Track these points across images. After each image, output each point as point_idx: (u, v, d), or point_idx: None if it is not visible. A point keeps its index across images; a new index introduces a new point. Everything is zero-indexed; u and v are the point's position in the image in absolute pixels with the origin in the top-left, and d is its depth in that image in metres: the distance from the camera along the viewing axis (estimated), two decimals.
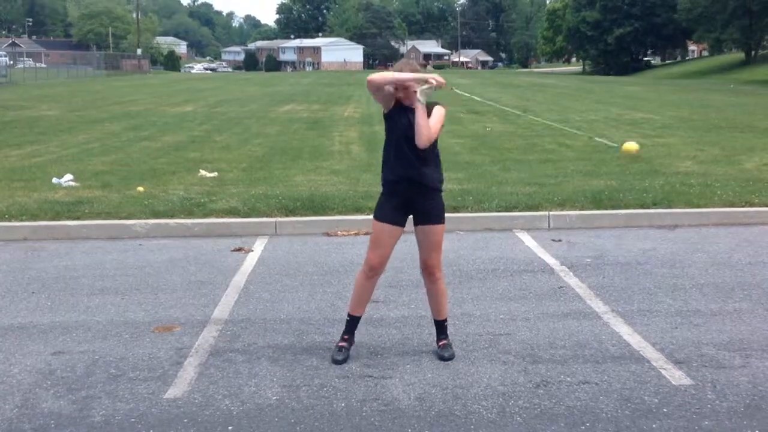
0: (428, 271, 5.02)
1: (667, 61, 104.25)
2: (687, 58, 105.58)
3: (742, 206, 9.36)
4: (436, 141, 4.88)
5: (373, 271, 4.98)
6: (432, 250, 4.97)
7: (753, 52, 70.45)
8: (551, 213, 9.06)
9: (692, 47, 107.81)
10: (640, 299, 6.25)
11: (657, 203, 9.42)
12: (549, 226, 8.94)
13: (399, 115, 4.85)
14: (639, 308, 6.01)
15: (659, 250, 7.85)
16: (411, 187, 4.86)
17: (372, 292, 5.09)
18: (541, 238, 8.41)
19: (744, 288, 6.53)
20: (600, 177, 11.39)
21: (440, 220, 4.97)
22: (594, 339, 5.35)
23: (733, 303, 6.13)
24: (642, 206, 9.34)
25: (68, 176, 11.28)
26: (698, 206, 9.35)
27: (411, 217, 5.00)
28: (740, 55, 74.21)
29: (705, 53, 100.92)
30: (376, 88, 4.76)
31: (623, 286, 6.60)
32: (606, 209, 9.26)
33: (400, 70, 4.81)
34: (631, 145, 4.58)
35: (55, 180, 11.13)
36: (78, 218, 8.85)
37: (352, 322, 5.10)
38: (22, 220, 8.76)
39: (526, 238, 8.39)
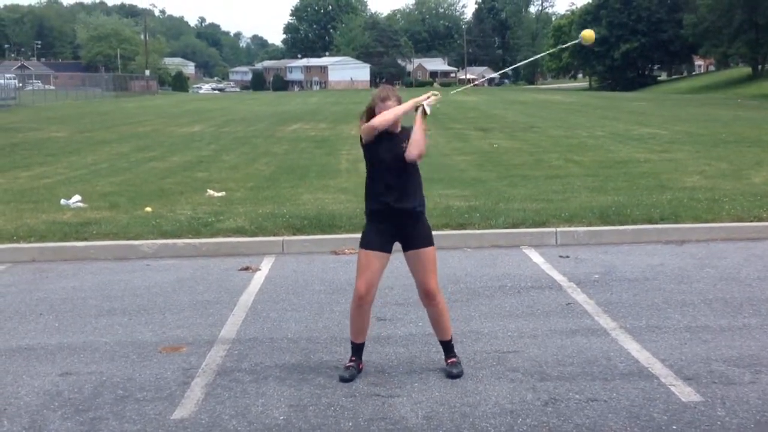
0: (429, 297, 5.00)
1: (674, 77, 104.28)
2: (693, 73, 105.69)
3: (751, 221, 9.32)
4: (417, 166, 4.92)
5: (362, 299, 4.95)
6: (427, 274, 4.95)
7: (760, 67, 70.38)
8: (558, 229, 9.04)
9: (699, 62, 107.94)
10: (649, 315, 6.22)
11: (665, 218, 9.40)
12: (556, 243, 8.92)
13: (381, 144, 4.87)
14: (647, 324, 5.98)
15: (667, 266, 7.82)
16: (396, 214, 4.86)
17: (368, 320, 5.07)
18: (548, 254, 8.39)
19: (753, 303, 6.49)
20: (607, 193, 11.38)
21: (429, 242, 4.95)
22: (602, 356, 5.32)
23: (742, 318, 6.09)
24: (649, 221, 9.31)
25: (76, 197, 11.33)
26: (706, 221, 9.32)
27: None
28: (747, 70, 74.17)
29: (711, 68, 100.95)
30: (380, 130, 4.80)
31: (631, 302, 6.58)
32: (613, 225, 9.23)
33: (387, 97, 4.84)
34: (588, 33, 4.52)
35: (63, 201, 11.18)
36: (86, 239, 8.88)
37: (356, 348, 5.10)
38: (30, 242, 8.80)
39: (534, 255, 8.38)
